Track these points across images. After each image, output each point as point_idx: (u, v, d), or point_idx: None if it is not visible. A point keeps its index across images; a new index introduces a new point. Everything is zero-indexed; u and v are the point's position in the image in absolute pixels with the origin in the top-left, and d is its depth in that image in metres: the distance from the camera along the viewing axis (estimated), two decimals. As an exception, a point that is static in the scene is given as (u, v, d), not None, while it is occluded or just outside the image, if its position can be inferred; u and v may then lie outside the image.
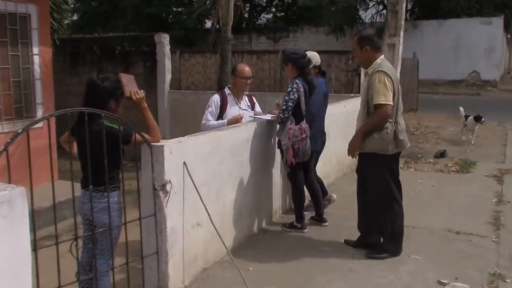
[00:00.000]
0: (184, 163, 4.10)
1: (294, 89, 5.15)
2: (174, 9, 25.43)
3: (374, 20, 23.00)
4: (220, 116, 5.45)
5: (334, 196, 6.38)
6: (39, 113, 7.44)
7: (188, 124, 10.52)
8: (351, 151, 4.86)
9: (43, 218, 6.13)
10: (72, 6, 27.98)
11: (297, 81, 5.21)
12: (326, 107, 5.96)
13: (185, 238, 4.19)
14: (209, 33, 9.47)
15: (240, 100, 5.64)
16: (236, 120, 5.31)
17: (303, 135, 5.13)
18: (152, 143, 3.83)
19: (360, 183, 5.09)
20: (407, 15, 22.67)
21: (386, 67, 4.75)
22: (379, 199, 4.86)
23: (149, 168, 3.85)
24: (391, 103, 4.62)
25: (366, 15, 23.98)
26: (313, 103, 5.37)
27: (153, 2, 23.84)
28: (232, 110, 5.49)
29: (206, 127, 5.29)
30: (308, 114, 5.29)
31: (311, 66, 5.63)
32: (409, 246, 5.09)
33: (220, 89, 9.07)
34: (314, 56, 5.84)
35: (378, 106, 4.59)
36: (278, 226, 5.66)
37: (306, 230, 5.49)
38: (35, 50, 7.62)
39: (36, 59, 7.65)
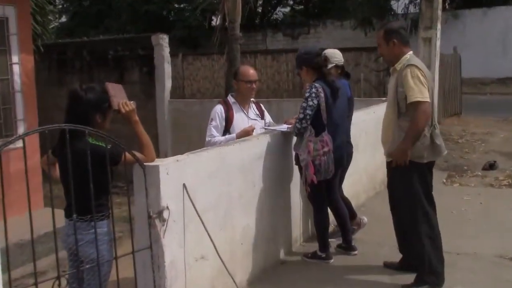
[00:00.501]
0: (184, 185, 4.04)
1: (313, 94, 5.07)
2: (176, 5, 25.62)
3: (408, 11, 22.91)
4: (227, 129, 5.36)
5: (365, 219, 6.26)
6: (21, 130, 7.46)
7: (192, 139, 10.50)
8: (400, 160, 4.69)
9: (26, 253, 6.13)
10: (60, 6, 28.40)
11: (316, 84, 5.13)
12: (351, 114, 5.89)
13: (187, 274, 4.12)
14: (216, 32, 9.41)
15: (247, 108, 5.57)
16: (246, 133, 5.23)
17: (325, 148, 5.04)
18: (145, 163, 3.78)
19: (391, 198, 5.07)
20: (446, 3, 22.55)
21: (417, 62, 4.78)
22: (410, 217, 4.81)
23: (143, 192, 3.78)
24: (429, 100, 4.60)
25: (398, 6, 23.91)
26: (335, 110, 5.26)
27: (151, -1, 24.07)
28: (240, 122, 5.41)
29: (212, 145, 5.15)
30: (330, 123, 5.18)
31: (331, 65, 5.57)
32: (454, 275, 4.96)
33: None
34: (334, 55, 5.79)
35: (415, 104, 4.55)
36: (299, 256, 5.56)
37: (331, 261, 5.39)
38: (15, 58, 7.65)
39: (16, 68, 7.68)
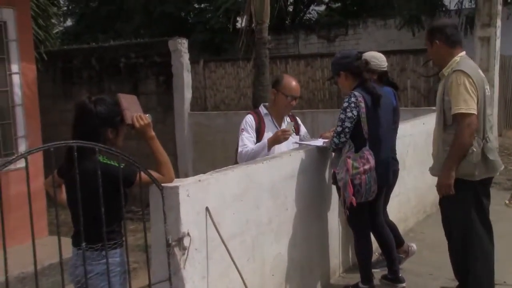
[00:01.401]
0: (207, 208, 4.09)
1: (352, 104, 5.09)
2: (196, 5, 25.77)
3: (462, 7, 22.74)
4: (257, 142, 5.43)
5: (414, 246, 6.23)
6: (22, 148, 7.58)
7: (216, 156, 10.59)
8: (444, 190, 4.74)
9: (28, 284, 6.24)
10: (65, 8, 28.73)
11: (355, 93, 5.14)
12: (396, 126, 5.88)
13: (211, 309, 4.17)
14: (242, 35, 9.48)
15: (281, 123, 5.63)
16: (278, 138, 5.26)
17: (366, 166, 5.03)
18: (163, 184, 3.84)
19: (444, 220, 5.09)
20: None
21: (467, 66, 4.75)
22: (462, 243, 4.83)
23: (161, 217, 3.84)
24: (475, 112, 4.59)
25: (451, 1, 23.75)
26: (378, 122, 5.26)
27: (168, -1, 24.23)
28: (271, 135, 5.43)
29: (245, 156, 5.26)
30: (372, 136, 5.18)
31: (370, 68, 5.58)
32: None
33: (256, 108, 9.15)
34: (375, 58, 5.83)
35: (459, 117, 4.58)
36: (339, 289, 5.57)
37: (376, 294, 5.39)
38: (15, 67, 7.77)
39: (16, 79, 7.79)
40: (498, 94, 10.76)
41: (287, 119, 5.69)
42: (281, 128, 5.49)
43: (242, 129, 5.47)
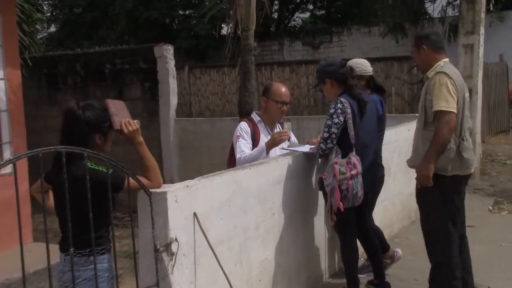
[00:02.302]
0: (195, 214, 4.10)
1: (339, 110, 5.12)
2: (181, 12, 25.74)
3: (445, 15, 22.89)
4: (252, 147, 5.44)
5: (399, 251, 6.28)
6: (7, 154, 7.56)
7: (202, 161, 10.60)
8: (423, 181, 4.97)
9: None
10: (48, 14, 28.59)
11: (341, 99, 5.17)
12: (382, 133, 5.93)
13: (199, 315, 4.18)
14: (228, 42, 9.50)
15: (274, 128, 5.67)
16: (275, 141, 5.31)
17: (353, 171, 5.06)
18: (151, 189, 3.85)
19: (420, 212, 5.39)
20: (491, 4, 22.46)
21: (450, 70, 5.04)
22: (435, 232, 5.10)
23: (148, 222, 3.84)
24: (455, 111, 4.87)
25: (434, 9, 23.87)
26: (364, 128, 5.30)
27: (152, 5, 24.15)
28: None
29: (243, 161, 5.28)
30: (358, 142, 5.22)
31: (354, 75, 5.62)
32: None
33: (242, 115, 9.17)
34: (359, 64, 5.88)
35: (439, 114, 4.85)
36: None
37: (361, 299, 5.42)
38: (0, 73, 7.78)
39: (1, 84, 7.78)
40: (481, 100, 10.83)
41: (278, 126, 5.72)
42: (284, 130, 5.55)
43: (238, 136, 5.47)
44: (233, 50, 9.59)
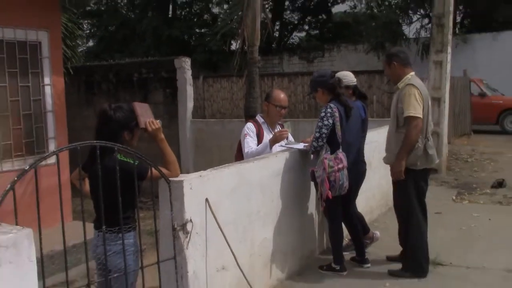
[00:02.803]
0: (207, 199, 4.11)
1: (328, 114, 5.14)
2: (197, 30, 25.77)
3: (419, 36, 22.86)
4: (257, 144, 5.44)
5: (377, 233, 6.30)
6: (52, 148, 7.54)
7: (214, 156, 10.59)
8: (396, 175, 5.23)
9: (57, 263, 6.20)
10: (88, 31, 28.68)
11: (330, 105, 5.20)
12: (365, 134, 5.92)
13: (209, 283, 4.18)
14: (236, 56, 9.50)
15: (274, 129, 5.65)
16: (277, 138, 5.32)
17: (340, 165, 5.08)
18: (170, 178, 3.86)
19: (394, 199, 5.65)
20: (457, 28, 22.45)
21: (417, 82, 5.28)
22: (405, 216, 5.36)
23: (168, 206, 3.86)
24: (421, 116, 5.09)
25: (410, 30, 23.87)
26: (349, 129, 5.33)
27: (173, 24, 24.20)
28: (267, 139, 5.47)
29: (251, 154, 5.27)
30: (344, 141, 5.25)
31: (342, 85, 5.64)
32: (464, 289, 4.98)
33: (247, 117, 9.17)
34: (346, 76, 5.86)
35: (409, 119, 5.07)
36: (315, 268, 5.58)
37: (345, 273, 5.41)
38: (47, 80, 7.77)
39: (47, 90, 7.79)
40: (448, 108, 10.80)
41: (278, 126, 5.71)
42: (284, 129, 5.57)
43: (246, 134, 5.46)
44: (241, 63, 9.58)
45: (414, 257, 5.34)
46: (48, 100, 7.79)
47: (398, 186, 5.35)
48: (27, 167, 3.02)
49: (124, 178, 3.51)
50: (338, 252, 5.45)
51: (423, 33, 22.71)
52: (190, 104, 11.53)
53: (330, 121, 5.13)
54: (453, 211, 7.96)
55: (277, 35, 28.49)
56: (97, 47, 27.81)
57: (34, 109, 7.61)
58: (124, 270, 3.65)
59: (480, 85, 17.34)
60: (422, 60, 18.96)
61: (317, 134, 5.14)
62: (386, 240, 6.24)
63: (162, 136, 3.87)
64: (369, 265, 5.64)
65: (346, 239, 6.04)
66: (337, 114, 5.15)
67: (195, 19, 26.43)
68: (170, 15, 26.45)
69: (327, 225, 5.59)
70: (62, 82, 8.19)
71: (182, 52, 17.51)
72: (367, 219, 6.50)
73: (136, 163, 3.55)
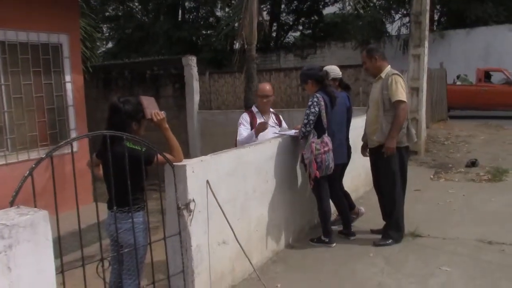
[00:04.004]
0: (207, 181, 4.07)
1: (315, 103, 5.08)
2: (204, 32, 25.65)
3: (401, 33, 22.72)
4: None
5: (362, 209, 6.25)
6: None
7: (218, 143, 10.48)
8: (391, 152, 5.22)
9: (77, 240, 6.19)
10: (107, 34, 28.59)
11: (317, 94, 5.14)
12: (349, 121, 5.85)
13: (211, 256, 4.15)
14: (236, 53, 9.43)
15: (267, 117, 5.60)
16: (257, 129, 5.27)
17: (325, 148, 5.04)
18: (174, 163, 3.82)
19: (376, 176, 5.59)
20: (434, 25, 22.32)
21: (398, 72, 5.35)
22: (389, 188, 5.37)
23: (172, 187, 3.83)
24: (406, 100, 5.19)
25: (393, 28, 23.73)
26: (334, 116, 5.28)
27: (183, 27, 24.10)
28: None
29: (240, 142, 5.29)
30: (330, 127, 5.20)
31: (329, 78, 5.58)
32: (440, 258, 4.93)
33: (246, 108, 9.11)
34: (333, 69, 5.78)
35: (398, 103, 5.13)
36: (306, 241, 5.55)
37: (333, 245, 5.37)
38: (67, 78, 7.78)
39: (68, 86, 7.81)
40: (425, 97, 10.71)
41: (272, 116, 5.68)
42: (269, 121, 5.52)
43: (240, 123, 5.48)
44: (241, 60, 9.50)
45: (397, 227, 5.39)
46: (69, 95, 7.81)
47: (384, 164, 5.32)
48: (44, 155, 2.99)
49: (133, 163, 3.48)
50: (326, 226, 5.41)
51: (404, 31, 22.60)
52: (196, 97, 11.48)
53: (317, 109, 5.07)
54: (431, 188, 7.91)
55: (274, 35, 28.38)
56: (115, 48, 27.73)
57: (57, 104, 7.62)
58: (134, 245, 3.64)
59: (507, 74, 17.16)
60: (403, 54, 18.86)
61: (305, 121, 5.08)
62: (370, 215, 6.19)
63: (166, 125, 3.84)
64: (355, 237, 5.60)
65: (334, 215, 5.99)
66: (323, 103, 5.09)
67: (201, 22, 26.25)
68: (179, 19, 26.27)
69: (316, 202, 5.51)
70: (81, 79, 8.17)
71: (190, 51, 17.42)
72: (353, 196, 6.46)
73: (143, 150, 3.52)
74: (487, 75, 17.54)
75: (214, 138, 10.94)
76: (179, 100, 11.39)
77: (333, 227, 5.66)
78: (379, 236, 5.46)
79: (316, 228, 5.84)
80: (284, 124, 5.77)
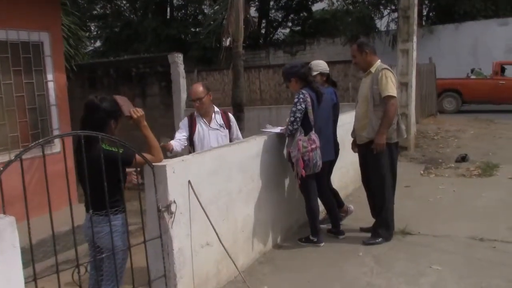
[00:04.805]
0: (189, 181, 3.91)
1: (301, 99, 4.92)
2: (192, 29, 25.43)
3: (390, 28, 22.62)
4: (191, 138, 5.01)
5: (351, 207, 6.10)
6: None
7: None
8: (381, 148, 5.09)
9: (62, 244, 6.02)
10: (95, 33, 28.34)
11: (303, 91, 4.98)
12: (336, 117, 5.69)
13: (194, 259, 3.99)
14: (222, 50, 9.26)
15: (209, 119, 5.05)
16: (165, 148, 4.67)
17: (313, 146, 4.88)
18: (154, 163, 3.66)
19: (365, 172, 5.45)
20: (423, 20, 22.26)
21: (388, 67, 5.21)
22: (380, 185, 5.23)
23: (152, 189, 3.66)
24: (396, 95, 5.09)
25: (382, 24, 23.63)
26: (320, 113, 5.10)
27: (171, 24, 23.89)
28: (200, 132, 5.01)
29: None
30: (317, 124, 5.03)
31: (315, 73, 5.42)
32: (430, 256, 4.80)
33: (234, 105, 8.95)
34: (318, 64, 5.62)
35: (388, 98, 5.01)
36: (294, 241, 5.39)
37: (322, 244, 5.21)
38: (49, 76, 7.61)
39: (50, 85, 7.64)
40: (414, 92, 10.60)
41: (216, 118, 5.08)
42: (210, 124, 5.03)
43: (179, 127, 5.14)
44: (229, 57, 9.34)
45: (387, 225, 5.26)
46: (52, 94, 7.67)
47: (373, 160, 5.18)
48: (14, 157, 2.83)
49: (110, 165, 3.32)
50: (314, 225, 5.25)
51: (393, 26, 22.45)
52: (183, 95, 11.33)
53: (303, 105, 4.91)
54: (421, 184, 7.79)
55: (263, 32, 28.23)
56: (104, 47, 27.46)
57: (39, 103, 7.46)
58: (112, 249, 3.50)
59: None
60: (392, 49, 18.74)
61: (292, 118, 4.92)
62: (359, 213, 6.04)
63: (145, 123, 3.70)
64: (344, 236, 5.45)
65: (323, 213, 5.84)
66: (309, 100, 4.93)
67: (190, 19, 26.04)
68: (168, 17, 26.03)
69: (304, 200, 5.36)
70: (64, 78, 8.01)
71: (179, 49, 17.22)
72: (342, 193, 6.33)
73: (119, 151, 3.37)
74: (502, 69, 17.41)
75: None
76: (165, 99, 11.23)
77: (322, 226, 5.52)
78: (369, 235, 5.33)
79: (304, 227, 5.66)
80: (234, 126, 5.20)
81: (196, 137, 5.00)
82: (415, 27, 10.13)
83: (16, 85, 7.18)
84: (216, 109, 5.17)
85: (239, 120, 8.78)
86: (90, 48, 28.39)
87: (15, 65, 7.15)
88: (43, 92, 7.54)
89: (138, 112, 3.65)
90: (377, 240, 5.19)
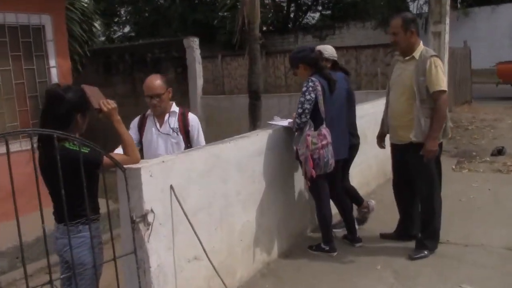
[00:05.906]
0: (171, 186, 3.27)
1: (310, 88, 4.17)
2: (220, 14, 24.81)
3: (422, 11, 21.55)
4: (140, 141, 4.11)
5: (372, 202, 5.27)
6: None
7: (222, 130, 9.81)
8: (431, 156, 4.24)
9: (29, 253, 5.47)
10: (124, 18, 28.07)
11: (312, 78, 4.21)
12: (352, 106, 4.90)
13: (178, 276, 3.36)
14: (238, 33, 8.59)
15: (162, 122, 4.09)
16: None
17: (324, 142, 4.13)
18: (127, 165, 3.04)
19: (399, 175, 4.66)
20: (458, 3, 21.13)
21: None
22: (428, 191, 4.39)
23: (125, 196, 3.04)
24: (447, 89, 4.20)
25: (414, 6, 22.55)
26: (333, 102, 4.33)
27: (197, 9, 23.38)
28: (149, 135, 4.09)
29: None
30: (329, 116, 4.27)
31: (324, 57, 4.65)
32: (460, 271, 4.07)
33: (250, 93, 8.28)
34: (325, 49, 4.82)
35: (439, 94, 4.15)
36: (304, 249, 4.67)
37: (335, 254, 4.48)
38: (52, 62, 7.14)
39: (53, 71, 7.17)
40: (448, 77, 9.72)
41: (169, 120, 4.08)
42: (160, 128, 4.06)
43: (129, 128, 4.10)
44: (242, 40, 8.70)
45: (434, 236, 4.45)
46: (55, 81, 7.13)
47: (421, 167, 4.29)
48: None
49: (74, 168, 2.74)
50: (326, 232, 4.52)
51: (425, 9, 21.40)
52: (199, 82, 10.76)
53: (313, 95, 4.16)
54: (452, 181, 6.93)
55: (292, 16, 27.45)
56: (132, 32, 27.21)
57: (40, 91, 6.95)
58: (85, 264, 2.99)
59: None
60: (425, 33, 17.73)
61: (300, 110, 4.18)
62: (380, 213, 5.33)
63: (118, 117, 3.10)
64: (361, 244, 4.70)
65: (337, 216, 5.12)
66: (319, 88, 4.17)
67: (216, 3, 25.40)
68: (196, 1, 25.46)
69: (315, 204, 4.64)
70: (68, 63, 7.51)
71: (206, 34, 16.68)
72: (363, 191, 5.66)
73: (85, 151, 2.78)
74: None
75: (219, 125, 10.27)
76: (181, 85, 10.67)
77: (336, 231, 4.83)
78: (391, 243, 4.61)
79: (316, 232, 4.94)
80: (194, 131, 4.14)
81: (144, 140, 4.14)
82: (447, 8, 9.24)
83: (16, 72, 6.71)
84: (174, 108, 4.13)
85: (255, 108, 8.13)
86: (119, 33, 28.17)
87: (14, 50, 6.66)
88: (45, 79, 7.06)
89: (109, 104, 3.06)
90: (423, 253, 4.37)
